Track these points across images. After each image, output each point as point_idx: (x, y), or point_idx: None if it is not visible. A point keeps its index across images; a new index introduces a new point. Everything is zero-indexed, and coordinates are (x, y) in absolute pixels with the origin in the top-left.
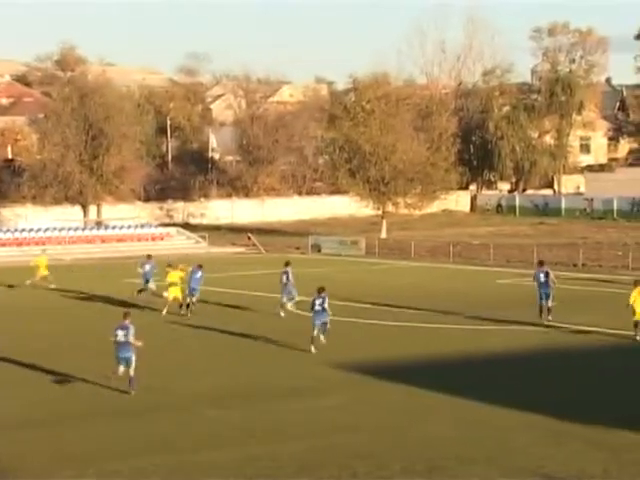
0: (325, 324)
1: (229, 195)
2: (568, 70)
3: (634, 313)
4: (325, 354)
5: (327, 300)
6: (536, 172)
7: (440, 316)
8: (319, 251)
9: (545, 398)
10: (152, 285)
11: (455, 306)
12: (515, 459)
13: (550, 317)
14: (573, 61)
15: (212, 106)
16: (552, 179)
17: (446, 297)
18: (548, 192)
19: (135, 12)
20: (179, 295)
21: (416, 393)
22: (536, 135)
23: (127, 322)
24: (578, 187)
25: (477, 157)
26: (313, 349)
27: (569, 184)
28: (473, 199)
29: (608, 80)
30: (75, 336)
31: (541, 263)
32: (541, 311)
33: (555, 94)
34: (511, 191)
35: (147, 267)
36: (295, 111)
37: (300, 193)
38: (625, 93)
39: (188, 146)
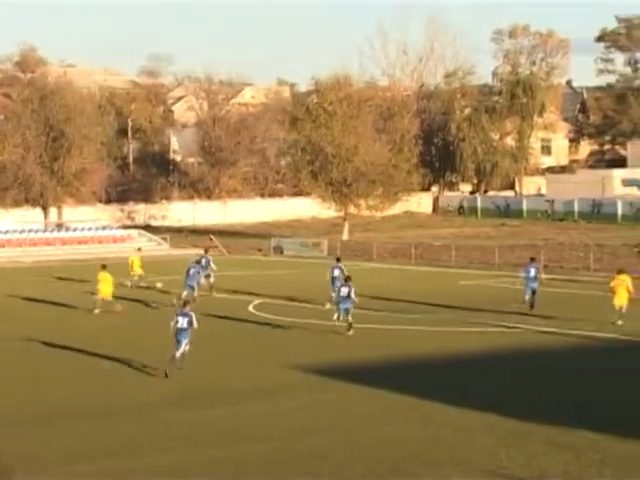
0: (347, 310)
1: (191, 197)
2: (529, 72)
3: (615, 299)
4: (287, 356)
5: (353, 289)
6: (497, 173)
7: (403, 318)
8: (281, 253)
9: (508, 399)
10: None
11: (417, 308)
12: (478, 460)
13: (531, 310)
14: (534, 63)
15: (174, 108)
16: (513, 180)
17: (408, 299)
18: (509, 193)
19: (97, 13)
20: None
21: (379, 395)
22: (497, 137)
23: (187, 309)
24: (539, 189)
25: (439, 159)
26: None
27: (530, 186)
28: (435, 200)
29: (569, 82)
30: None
31: (533, 259)
32: (532, 305)
33: (516, 96)
34: (473, 192)
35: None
36: (257, 113)
37: (262, 195)
38: (586, 95)
39: (149, 148)
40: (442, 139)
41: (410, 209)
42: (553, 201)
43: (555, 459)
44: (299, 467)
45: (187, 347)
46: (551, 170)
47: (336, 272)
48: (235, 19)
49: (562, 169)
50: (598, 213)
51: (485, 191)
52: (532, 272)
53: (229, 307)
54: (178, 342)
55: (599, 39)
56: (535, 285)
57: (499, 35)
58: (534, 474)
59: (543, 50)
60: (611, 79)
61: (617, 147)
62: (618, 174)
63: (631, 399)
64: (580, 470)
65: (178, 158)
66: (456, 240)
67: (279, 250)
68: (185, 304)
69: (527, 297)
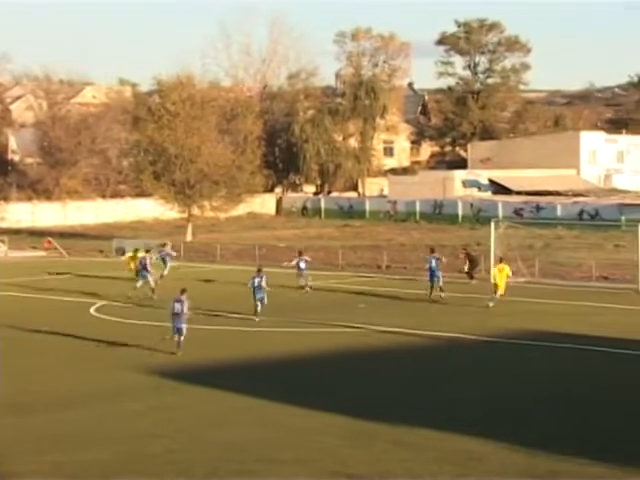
0: (262, 299)
1: (30, 198)
2: (371, 74)
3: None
4: (130, 359)
5: (265, 279)
6: (341, 175)
7: (248, 319)
8: (123, 254)
9: (353, 400)
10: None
11: (264, 309)
12: (322, 460)
13: (443, 295)
14: (376, 65)
15: (12, 107)
16: (356, 182)
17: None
18: (353, 195)
19: None
20: None
21: (223, 397)
22: (340, 138)
23: (183, 296)
24: (382, 190)
25: (282, 160)
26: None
27: (373, 187)
28: (279, 202)
29: (410, 85)
30: None
31: (432, 250)
32: (431, 292)
33: (359, 98)
34: (316, 194)
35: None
36: (98, 113)
37: (104, 196)
38: (427, 98)
39: None
40: (285, 140)
41: (254, 210)
42: (395, 202)
43: (398, 458)
44: (143, 471)
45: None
46: (393, 171)
47: (302, 265)
48: (75, 17)
49: (404, 170)
50: (439, 214)
51: (328, 192)
52: (433, 262)
53: (70, 310)
54: (178, 330)
55: (439, 42)
56: (438, 273)
57: (342, 37)
58: (377, 472)
59: (385, 53)
60: (451, 82)
61: (457, 149)
62: (459, 175)
63: (472, 398)
64: (422, 467)
65: (16, 158)
66: (300, 241)
67: (121, 252)
68: (182, 291)
69: (433, 284)
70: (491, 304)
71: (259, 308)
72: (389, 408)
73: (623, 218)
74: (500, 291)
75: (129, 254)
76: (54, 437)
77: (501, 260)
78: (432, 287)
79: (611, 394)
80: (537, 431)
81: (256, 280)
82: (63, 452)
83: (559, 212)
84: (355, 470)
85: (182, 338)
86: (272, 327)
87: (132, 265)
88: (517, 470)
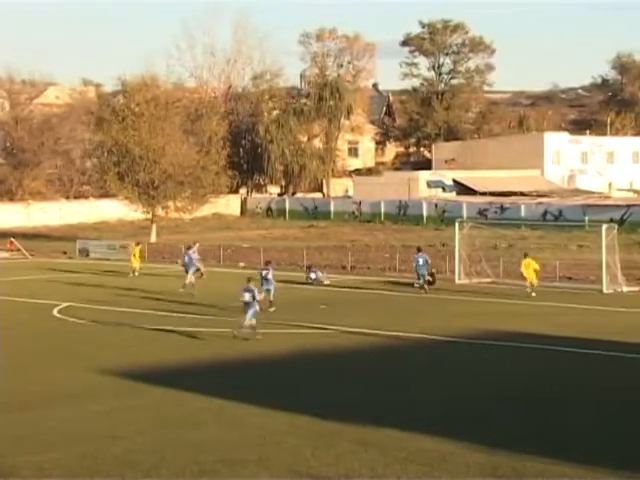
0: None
1: None
2: (336, 75)
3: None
4: (93, 360)
5: (271, 272)
6: (305, 175)
7: (214, 320)
8: (87, 256)
9: (316, 400)
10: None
11: (221, 310)
12: (286, 460)
13: (426, 287)
14: (341, 66)
15: None
16: (321, 182)
17: (217, 300)
18: (318, 195)
19: None
20: None
21: (186, 398)
22: (305, 139)
23: (251, 285)
24: (346, 190)
25: (247, 160)
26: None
27: (338, 188)
28: (243, 202)
29: (375, 85)
30: None
31: (419, 249)
32: (422, 287)
33: (324, 98)
34: (281, 194)
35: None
36: (62, 113)
37: (67, 197)
38: (391, 98)
39: None
40: (250, 141)
41: (218, 211)
42: (360, 203)
43: (361, 458)
44: (103, 473)
45: (254, 320)
46: (358, 172)
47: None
48: (38, 16)
49: (369, 171)
50: (404, 215)
51: (293, 193)
52: (420, 261)
53: (33, 311)
54: (246, 313)
55: (404, 43)
56: (424, 270)
57: (306, 38)
58: (341, 473)
59: (350, 53)
60: (416, 83)
61: (422, 149)
62: (423, 176)
63: (435, 398)
64: (386, 467)
65: None
66: (264, 242)
67: (85, 253)
68: (249, 280)
69: (421, 282)
70: (533, 294)
71: (270, 299)
72: (353, 408)
73: (587, 219)
74: (530, 282)
75: (135, 249)
76: (13, 438)
77: (526, 255)
78: (421, 282)
79: (573, 394)
80: (499, 430)
81: (264, 272)
82: (22, 454)
83: (523, 213)
84: (319, 470)
85: (254, 321)
86: (232, 328)
87: (135, 263)
88: (481, 469)
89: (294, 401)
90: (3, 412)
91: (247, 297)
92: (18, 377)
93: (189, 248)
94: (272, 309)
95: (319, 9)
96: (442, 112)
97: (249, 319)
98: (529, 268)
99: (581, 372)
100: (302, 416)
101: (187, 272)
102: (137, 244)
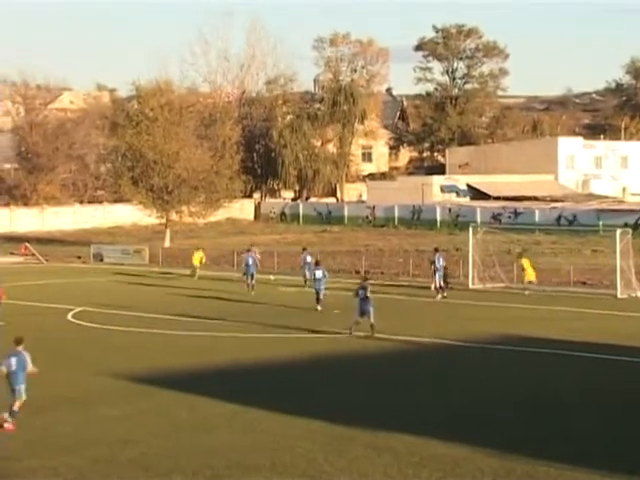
0: (320, 289)
1: (7, 204)
2: (350, 80)
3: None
4: (106, 364)
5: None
6: (319, 180)
7: (228, 325)
8: (101, 260)
9: (330, 405)
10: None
11: (241, 315)
12: (299, 465)
13: (445, 294)
14: (355, 71)
15: None
16: (335, 187)
17: (231, 306)
18: (331, 200)
19: None
20: None
21: (200, 402)
22: (319, 144)
23: (366, 283)
24: (360, 195)
25: (261, 165)
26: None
27: (351, 192)
28: (257, 207)
29: (389, 90)
30: None
31: (437, 249)
32: (440, 287)
33: (337, 103)
34: (295, 199)
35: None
36: (76, 118)
37: (82, 202)
38: (405, 103)
39: None
40: (264, 146)
41: (232, 216)
42: (374, 207)
43: (375, 462)
44: (118, 476)
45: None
46: (372, 177)
47: (308, 258)
48: (53, 22)
49: (382, 176)
50: (418, 219)
51: (307, 198)
52: (441, 261)
53: (47, 315)
54: (364, 312)
55: (417, 48)
56: (442, 272)
57: (320, 43)
58: (354, 477)
59: (363, 58)
60: (430, 88)
61: (436, 154)
62: (437, 180)
63: (448, 402)
64: (399, 472)
65: None
66: (278, 247)
67: (99, 257)
68: (365, 278)
69: (438, 281)
70: (527, 293)
71: (320, 296)
72: (366, 413)
73: (601, 223)
74: (528, 279)
75: (198, 253)
76: (27, 442)
77: (521, 255)
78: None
79: (588, 398)
80: (512, 435)
81: (316, 272)
82: (36, 458)
83: (537, 217)
84: (332, 475)
85: (372, 319)
86: (248, 333)
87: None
88: (494, 474)
89: (307, 406)
90: (18, 417)
91: (318, 274)
92: (30, 381)
93: (249, 251)
94: (320, 308)
95: (333, 14)
96: (456, 117)
97: (373, 316)
98: (529, 264)
99: (596, 377)
100: (315, 421)
101: (249, 275)
102: (198, 249)
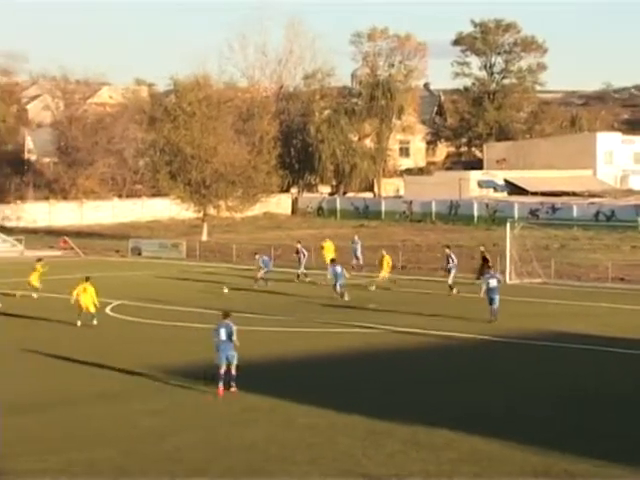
0: (342, 284)
1: (46, 198)
2: (387, 74)
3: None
4: (145, 358)
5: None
6: (356, 175)
7: (262, 319)
8: (139, 254)
9: (366, 399)
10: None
11: (275, 309)
12: (338, 460)
13: (455, 291)
14: (392, 66)
15: (28, 107)
16: (372, 182)
17: (267, 300)
18: (368, 195)
19: None
20: None
21: (240, 396)
22: (356, 138)
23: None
24: (397, 190)
25: (298, 160)
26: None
27: (389, 187)
28: (294, 202)
29: (426, 85)
30: None
31: (448, 247)
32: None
33: (375, 98)
34: (332, 194)
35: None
36: (115, 113)
37: (120, 196)
38: (443, 98)
39: (2, 147)
40: (301, 140)
41: (270, 210)
42: (411, 202)
43: (413, 457)
44: (153, 469)
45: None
46: (409, 172)
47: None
48: (92, 17)
49: (420, 171)
50: (455, 214)
51: (344, 192)
52: (454, 258)
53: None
54: (492, 300)
55: (455, 43)
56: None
57: (358, 38)
58: (392, 472)
59: (401, 53)
60: (467, 82)
61: (473, 149)
62: (474, 176)
63: (486, 398)
64: (437, 467)
65: (33, 158)
66: (315, 241)
67: (137, 251)
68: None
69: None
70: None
71: (338, 291)
72: (404, 408)
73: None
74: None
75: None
76: (63, 435)
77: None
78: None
79: (627, 396)
80: (552, 432)
81: (337, 268)
82: (74, 450)
83: (575, 213)
84: (370, 470)
85: (495, 307)
86: (285, 327)
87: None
88: (533, 470)
89: (346, 400)
90: (53, 409)
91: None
92: (65, 375)
93: (297, 253)
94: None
95: (371, 8)
96: (493, 112)
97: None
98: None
99: (635, 374)
100: (354, 415)
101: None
102: (325, 240)
